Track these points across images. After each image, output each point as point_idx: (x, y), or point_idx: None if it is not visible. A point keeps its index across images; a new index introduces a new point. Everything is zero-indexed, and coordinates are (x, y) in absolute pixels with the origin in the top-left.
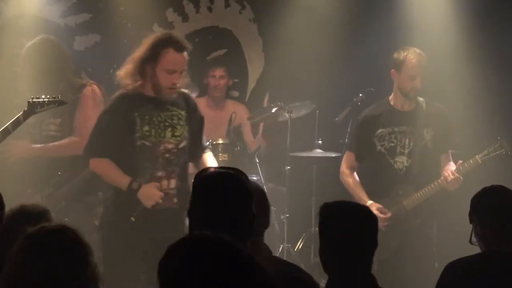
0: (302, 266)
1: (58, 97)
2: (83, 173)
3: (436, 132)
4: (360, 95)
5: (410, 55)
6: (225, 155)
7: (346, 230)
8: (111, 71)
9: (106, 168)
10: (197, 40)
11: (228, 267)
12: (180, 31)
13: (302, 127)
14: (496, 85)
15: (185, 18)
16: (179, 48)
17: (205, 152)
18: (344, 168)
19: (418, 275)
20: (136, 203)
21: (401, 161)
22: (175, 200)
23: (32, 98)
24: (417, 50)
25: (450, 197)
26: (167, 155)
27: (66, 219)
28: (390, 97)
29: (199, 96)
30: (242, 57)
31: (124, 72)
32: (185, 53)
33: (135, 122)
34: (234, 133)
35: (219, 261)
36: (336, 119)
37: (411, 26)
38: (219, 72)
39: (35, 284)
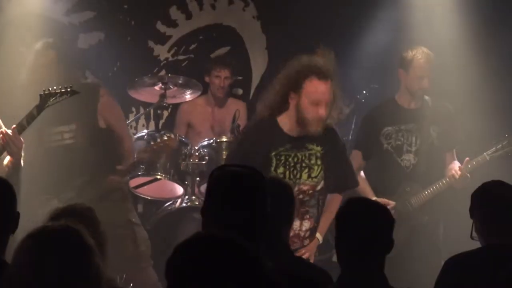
0: None
1: (70, 86)
2: (107, 179)
3: (442, 130)
4: (364, 92)
5: (418, 55)
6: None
7: (359, 228)
8: (115, 68)
9: None
10: (200, 37)
11: (235, 267)
12: (183, 29)
13: None
14: (504, 81)
15: (188, 15)
16: (323, 76)
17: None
18: None
19: (424, 272)
20: None
21: (408, 159)
22: (305, 242)
23: (44, 91)
24: (425, 50)
25: (457, 195)
26: (300, 196)
27: None
28: (397, 96)
29: (204, 93)
30: (245, 55)
31: (267, 100)
32: (329, 82)
33: (271, 162)
34: (238, 131)
35: (226, 261)
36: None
37: (415, 23)
38: (224, 73)
39: (36, 284)
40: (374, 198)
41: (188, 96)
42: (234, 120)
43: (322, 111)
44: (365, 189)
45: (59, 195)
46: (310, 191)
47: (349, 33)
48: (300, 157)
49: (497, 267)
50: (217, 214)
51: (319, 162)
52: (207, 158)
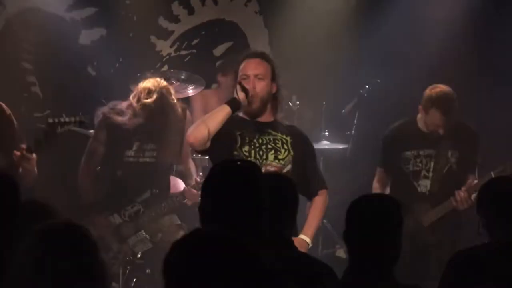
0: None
1: (80, 116)
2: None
3: (462, 154)
4: (367, 86)
5: (439, 105)
6: None
7: (368, 226)
8: (117, 64)
9: None
10: (203, 33)
11: (231, 264)
12: (186, 24)
13: (309, 119)
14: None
15: (190, 11)
16: (253, 56)
17: (321, 191)
18: (375, 183)
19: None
20: None
21: (425, 185)
22: None
23: (54, 119)
24: (448, 94)
25: (466, 215)
26: None
27: None
28: (418, 117)
29: (206, 87)
30: (248, 50)
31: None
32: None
33: (237, 140)
34: None
35: (223, 257)
36: (343, 111)
37: (419, 17)
38: None
39: (41, 282)
40: None
41: (190, 91)
42: None
43: (250, 85)
44: None
45: (120, 211)
46: None
47: (351, 27)
48: (264, 140)
49: (503, 263)
50: (212, 212)
51: (285, 147)
52: None
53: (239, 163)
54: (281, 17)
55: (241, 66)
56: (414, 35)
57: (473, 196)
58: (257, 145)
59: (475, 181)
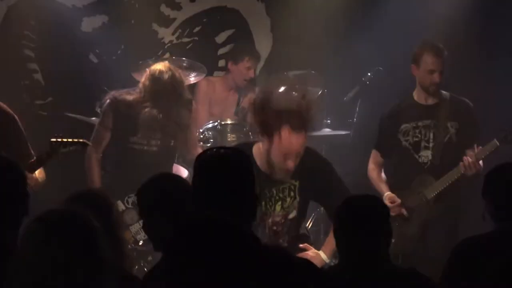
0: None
1: (82, 137)
2: None
3: (461, 126)
4: (369, 74)
5: (428, 49)
6: (234, 135)
7: (353, 219)
8: (119, 52)
9: None
10: (205, 20)
11: (236, 250)
12: (187, 12)
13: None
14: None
15: None
16: (297, 127)
17: None
18: (370, 164)
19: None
20: None
21: (426, 155)
22: None
23: (56, 139)
24: (436, 44)
25: (472, 186)
26: (274, 228)
27: None
28: (414, 92)
29: (208, 75)
30: (250, 37)
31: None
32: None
33: None
34: (242, 114)
35: (228, 243)
36: (345, 98)
37: (423, 4)
38: (255, 65)
39: (42, 268)
40: (386, 193)
41: (192, 78)
42: (238, 103)
43: (291, 164)
44: (380, 185)
45: (124, 198)
46: (282, 221)
47: (354, 15)
48: (274, 191)
49: (508, 251)
50: (203, 200)
51: (292, 194)
52: (211, 140)
53: (223, 152)
54: (283, 4)
55: (284, 135)
56: (416, 22)
57: (480, 162)
58: (268, 195)
59: (479, 147)
